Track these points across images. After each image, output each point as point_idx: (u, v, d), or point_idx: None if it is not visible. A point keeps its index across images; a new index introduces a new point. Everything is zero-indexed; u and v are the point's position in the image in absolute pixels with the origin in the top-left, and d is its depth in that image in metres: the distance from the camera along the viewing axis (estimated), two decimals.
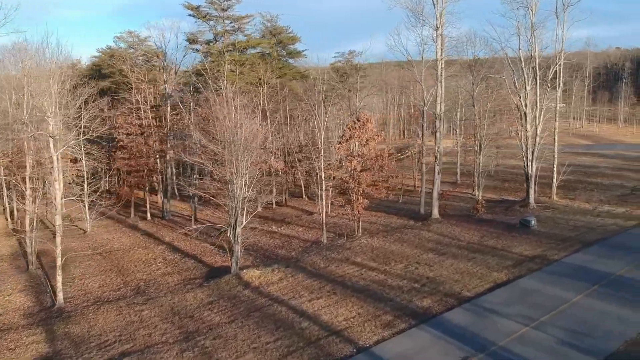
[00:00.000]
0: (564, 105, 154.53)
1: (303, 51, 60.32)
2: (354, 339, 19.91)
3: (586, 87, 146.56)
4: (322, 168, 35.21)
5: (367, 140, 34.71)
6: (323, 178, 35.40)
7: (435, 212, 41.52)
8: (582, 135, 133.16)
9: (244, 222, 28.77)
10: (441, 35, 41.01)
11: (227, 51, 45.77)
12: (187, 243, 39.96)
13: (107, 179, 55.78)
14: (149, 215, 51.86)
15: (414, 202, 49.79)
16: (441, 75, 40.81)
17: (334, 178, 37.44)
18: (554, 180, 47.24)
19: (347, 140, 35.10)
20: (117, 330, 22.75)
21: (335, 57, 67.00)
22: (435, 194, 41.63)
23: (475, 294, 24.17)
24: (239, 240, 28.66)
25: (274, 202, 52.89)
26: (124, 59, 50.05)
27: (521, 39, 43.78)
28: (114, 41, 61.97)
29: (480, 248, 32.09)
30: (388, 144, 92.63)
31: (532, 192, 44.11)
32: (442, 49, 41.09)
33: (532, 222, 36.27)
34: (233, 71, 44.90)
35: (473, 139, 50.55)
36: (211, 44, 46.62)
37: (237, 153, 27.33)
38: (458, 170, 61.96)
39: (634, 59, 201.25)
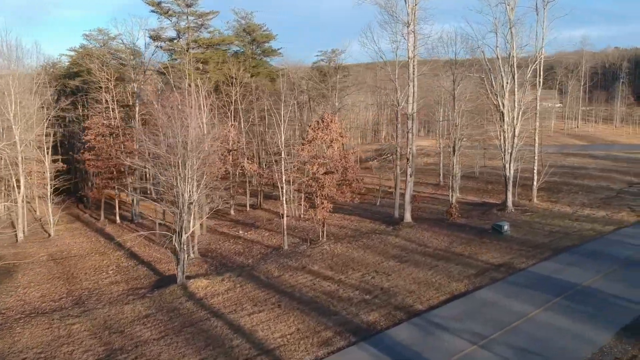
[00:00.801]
0: (559, 105, 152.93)
1: (279, 49, 58.74)
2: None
3: (582, 87, 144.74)
4: (283, 171, 33.53)
5: (331, 141, 33.08)
6: (284, 181, 33.73)
7: (408, 216, 39.88)
8: (577, 136, 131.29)
9: (192, 228, 27.12)
10: (413, 32, 39.38)
11: (190, 49, 44.09)
12: (147, 249, 38.34)
13: (74, 180, 54.22)
14: (117, 218, 50.28)
15: (392, 205, 48.17)
16: (413, 74, 39.16)
17: (294, 182, 35.77)
18: (535, 183, 45.49)
19: (309, 141, 33.47)
20: (40, 346, 21.13)
21: (317, 55, 65.13)
22: (407, 198, 39.97)
23: (428, 306, 22.50)
24: (184, 248, 27.02)
25: (247, 204, 51.29)
26: (92, 58, 48.45)
27: (499, 36, 42.16)
28: (84, 39, 60.39)
29: (446, 255, 30.43)
30: (380, 144, 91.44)
31: (510, 195, 42.42)
32: (414, 47, 39.45)
33: (505, 228, 34.60)
34: (198, 69, 43.24)
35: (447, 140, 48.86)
36: (175, 41, 44.99)
37: (182, 155, 25.71)
38: (441, 171, 60.27)
39: (632, 58, 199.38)
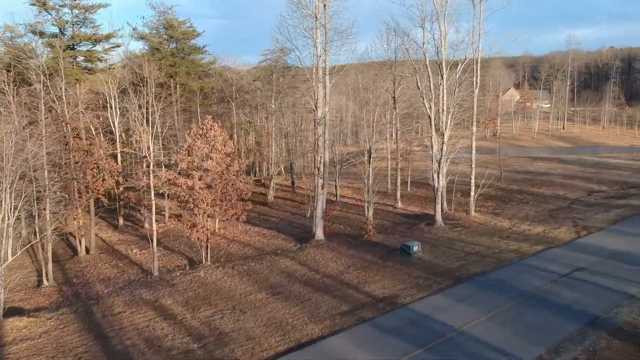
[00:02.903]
0: (548, 105, 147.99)
1: (203, 47, 54.37)
2: None
3: (568, 87, 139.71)
4: (152, 185, 29.26)
5: (210, 151, 28.76)
6: (153, 197, 29.46)
7: (319, 233, 35.46)
8: (561, 138, 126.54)
9: (10, 259, 22.87)
10: (324, 26, 35.01)
11: (69, 47, 39.85)
12: None
13: None
14: None
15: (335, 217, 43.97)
16: (324, 76, 34.78)
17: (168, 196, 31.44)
18: (472, 195, 40.97)
19: (188, 151, 29.17)
20: None
21: (263, 54, 60.77)
22: (318, 212, 35.56)
23: None
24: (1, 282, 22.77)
25: (167, 217, 47.01)
26: None
27: (425, 31, 37.69)
28: None
29: (331, 284, 26.05)
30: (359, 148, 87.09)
31: (439, 208, 37.94)
32: (326, 43, 35.09)
33: (415, 249, 30.17)
34: (79, 66, 39.10)
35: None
36: (57, 37, 40.68)
37: None
38: (388, 179, 55.82)
39: (625, 58, 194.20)
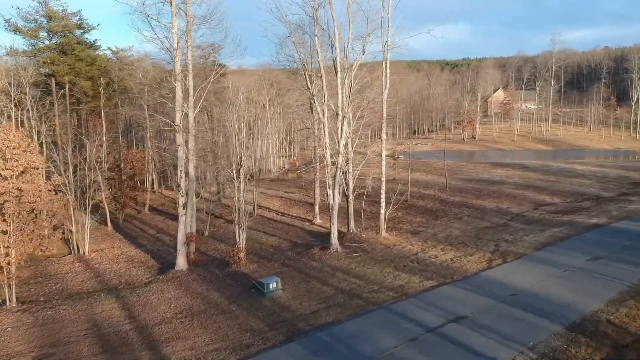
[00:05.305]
0: (534, 107, 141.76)
1: (94, 42, 48.25)
2: None
3: (552, 88, 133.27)
4: None
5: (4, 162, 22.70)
6: None
7: (181, 262, 29.26)
8: (543, 140, 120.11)
9: None
10: (186, 13, 29.01)
11: None
12: None
13: None
14: None
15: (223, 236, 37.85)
16: (183, 73, 28.75)
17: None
18: (382, 212, 34.73)
19: None
20: None
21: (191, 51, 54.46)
22: (180, 237, 29.37)
23: None
24: None
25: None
26: None
27: (317, 22, 31.37)
28: None
29: (132, 340, 19.94)
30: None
31: (335, 230, 31.69)
32: (187, 33, 29.03)
33: (271, 287, 23.99)
34: None
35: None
36: None
37: None
38: (317, 191, 49.52)
39: (618, 58, 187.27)
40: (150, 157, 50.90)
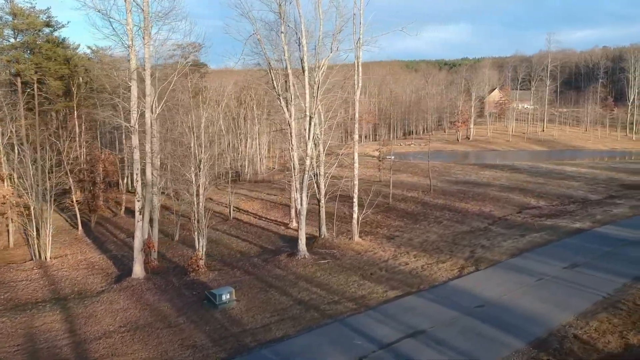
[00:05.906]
0: (530, 107, 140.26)
1: (63, 40, 46.78)
2: None
3: (547, 88, 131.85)
4: None
5: None
6: None
7: (137, 270, 27.78)
8: (538, 141, 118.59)
9: None
10: (142, 9, 27.58)
11: None
12: None
13: None
14: None
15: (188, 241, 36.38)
16: (138, 71, 27.29)
17: None
18: (354, 217, 33.30)
19: None
20: None
21: (169, 50, 52.98)
22: (136, 244, 27.84)
23: None
24: None
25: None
26: None
27: (283, 16, 29.90)
28: None
29: (59, 359, 18.56)
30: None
31: (303, 235, 30.24)
32: (145, 30, 27.61)
33: (224, 298, 22.51)
34: None
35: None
36: None
37: None
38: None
39: (616, 58, 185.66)
40: (126, 159, 49.45)
